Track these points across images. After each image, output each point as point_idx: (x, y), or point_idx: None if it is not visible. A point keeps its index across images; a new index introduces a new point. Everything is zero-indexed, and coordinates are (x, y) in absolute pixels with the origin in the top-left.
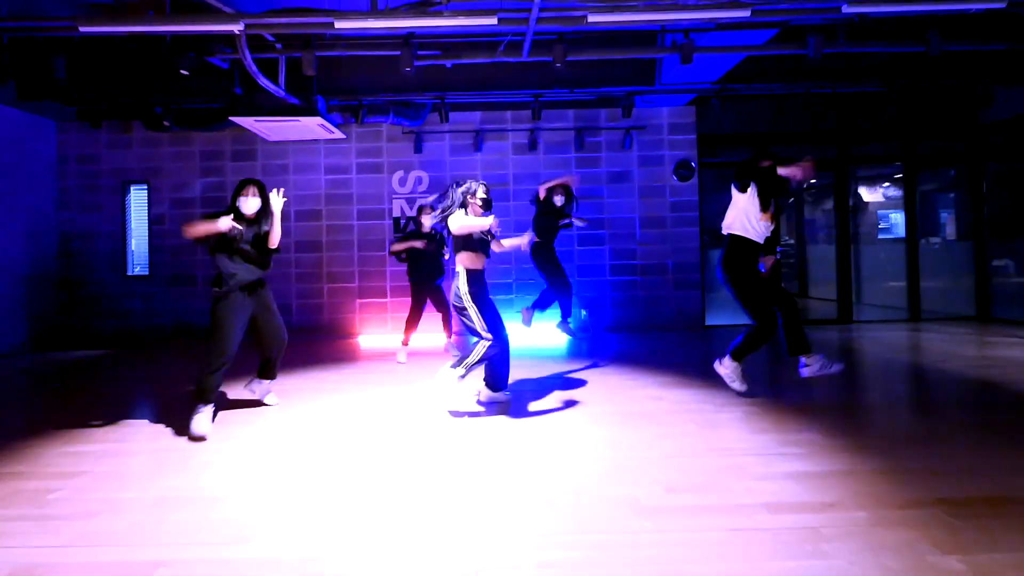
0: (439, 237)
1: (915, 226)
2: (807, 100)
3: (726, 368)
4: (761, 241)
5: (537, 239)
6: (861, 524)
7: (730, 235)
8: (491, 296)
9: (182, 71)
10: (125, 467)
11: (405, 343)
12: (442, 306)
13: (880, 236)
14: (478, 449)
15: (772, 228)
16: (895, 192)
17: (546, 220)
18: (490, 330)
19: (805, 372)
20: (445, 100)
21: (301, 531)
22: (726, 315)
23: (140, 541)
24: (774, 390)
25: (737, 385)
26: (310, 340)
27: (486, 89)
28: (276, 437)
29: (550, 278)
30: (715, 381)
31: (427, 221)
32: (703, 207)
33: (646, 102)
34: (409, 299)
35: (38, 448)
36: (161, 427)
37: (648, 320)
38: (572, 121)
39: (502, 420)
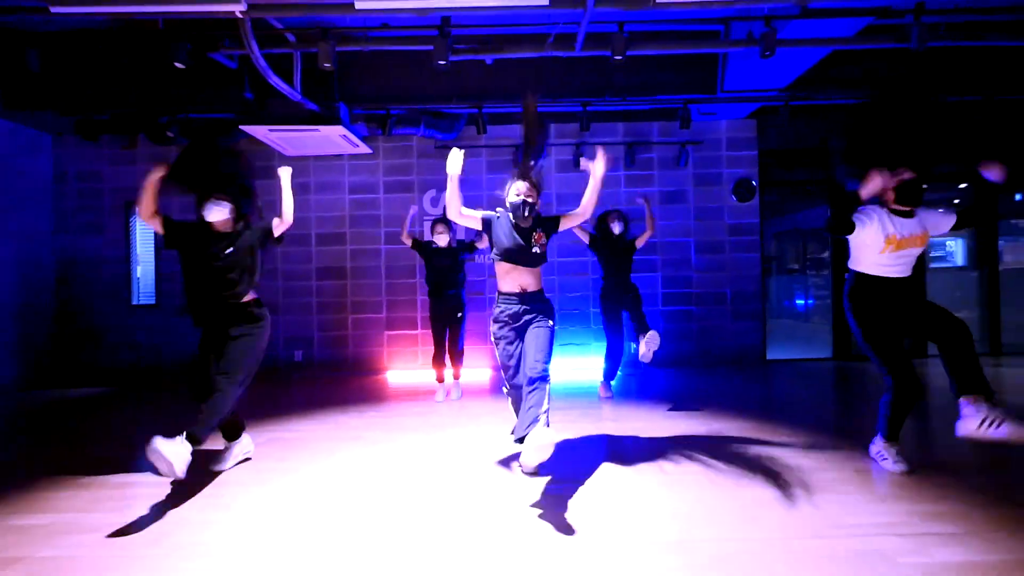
0: (459, 254)
1: (995, 251)
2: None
3: (877, 447)
4: (894, 275)
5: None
6: None
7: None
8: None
9: (177, 64)
10: (77, 553)
11: (440, 379)
12: (454, 345)
13: (932, 265)
14: (529, 523)
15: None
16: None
17: (608, 256)
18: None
19: (963, 428)
20: (482, 110)
21: None
22: (788, 348)
23: None
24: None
25: (890, 464)
26: (334, 376)
27: None
28: (280, 509)
29: (612, 333)
30: (802, 427)
31: (442, 241)
32: (764, 230)
33: (703, 114)
34: None
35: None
36: (138, 491)
37: (703, 354)
38: (622, 135)
39: (555, 487)
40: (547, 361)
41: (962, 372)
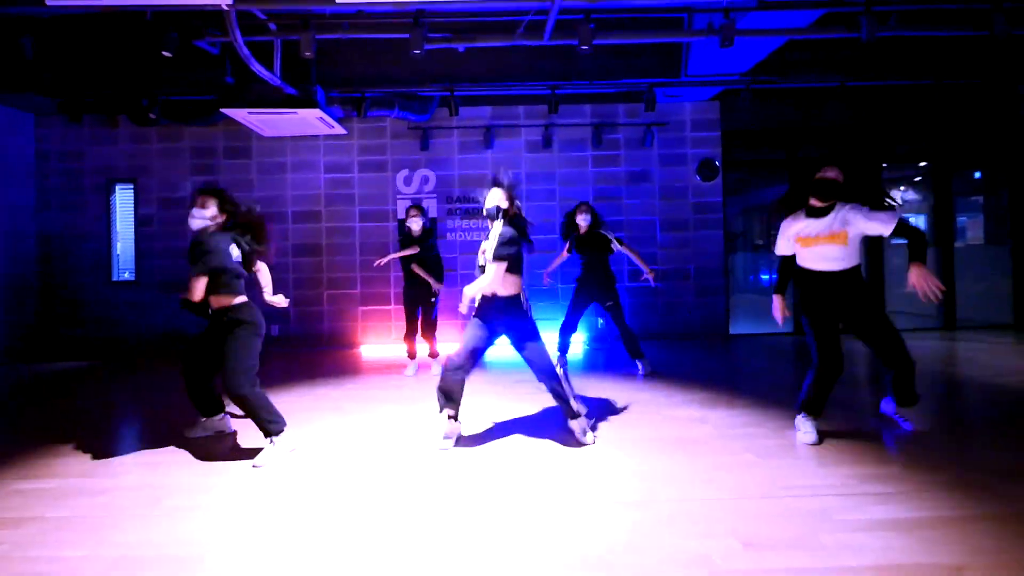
0: (433, 242)
1: (951, 229)
2: (838, 95)
3: (797, 419)
4: (818, 268)
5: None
6: None
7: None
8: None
9: (164, 53)
10: (86, 513)
11: (411, 355)
12: (428, 326)
13: (895, 242)
14: (502, 486)
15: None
16: (913, 196)
17: (580, 250)
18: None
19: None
20: (454, 92)
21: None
22: (750, 323)
23: None
24: (829, 411)
25: (804, 436)
26: (310, 350)
27: (498, 81)
28: (267, 474)
29: (572, 312)
30: (758, 399)
31: (416, 225)
32: (727, 209)
33: (668, 96)
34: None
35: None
36: (137, 458)
37: (669, 328)
38: (589, 117)
39: (522, 448)
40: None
41: (901, 393)
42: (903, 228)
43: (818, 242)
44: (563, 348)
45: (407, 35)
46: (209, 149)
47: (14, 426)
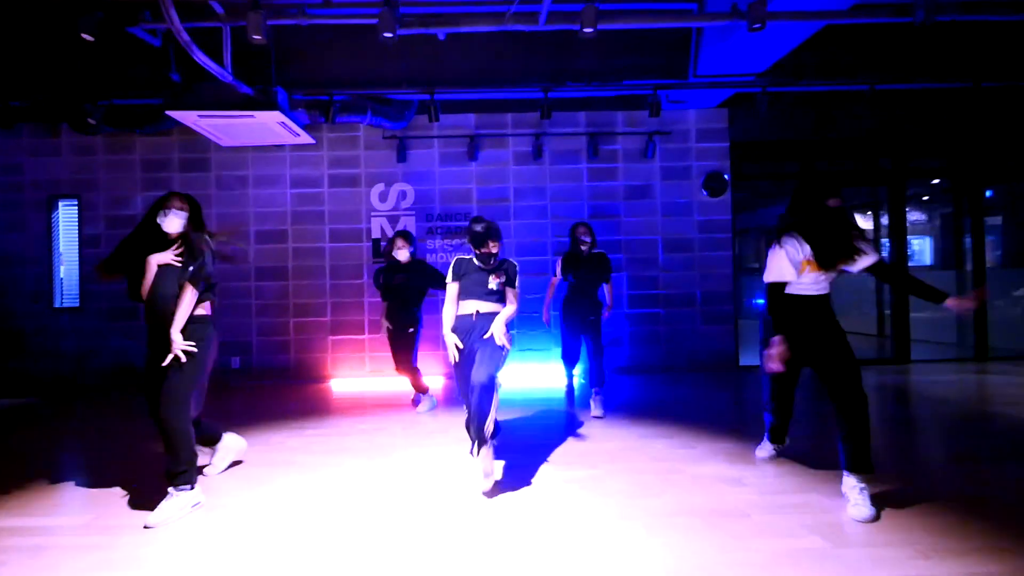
0: (416, 273)
1: (983, 251)
2: (858, 100)
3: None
4: (808, 293)
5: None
6: None
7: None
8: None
9: (85, 36)
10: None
11: (423, 390)
12: (407, 360)
13: (912, 263)
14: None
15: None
16: (918, 216)
17: (576, 270)
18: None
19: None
20: (434, 96)
21: None
22: (755, 351)
23: None
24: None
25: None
26: (274, 384)
27: (485, 83)
28: (197, 553)
29: (569, 337)
30: (797, 452)
31: (402, 255)
32: (736, 227)
33: (672, 102)
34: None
35: None
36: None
37: (671, 360)
38: (584, 126)
39: (521, 520)
40: (494, 372)
41: (851, 447)
42: (883, 265)
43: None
44: (570, 380)
45: (376, 21)
46: (162, 161)
47: None
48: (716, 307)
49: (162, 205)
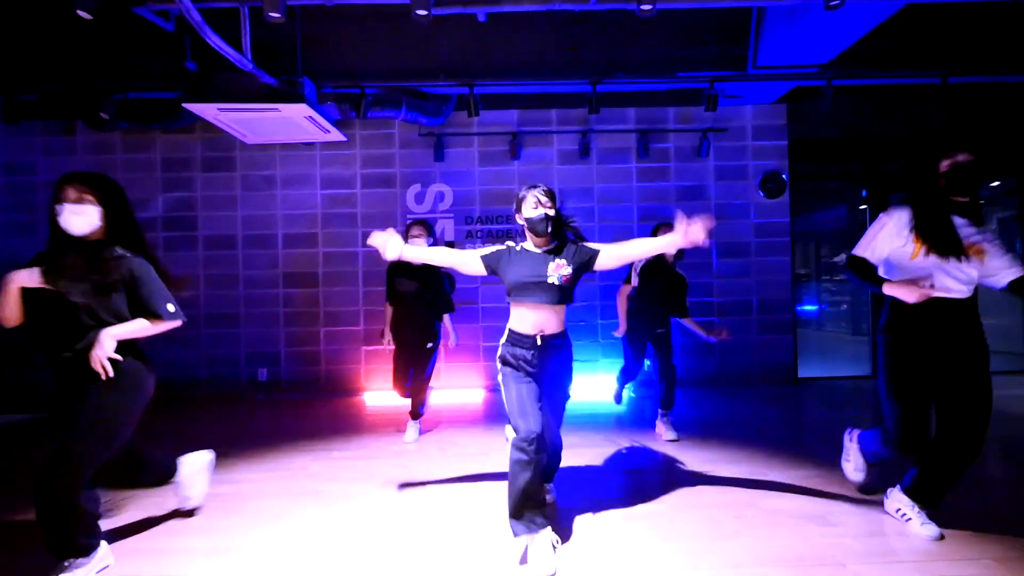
0: (433, 276)
1: None
2: (930, 95)
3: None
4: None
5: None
6: None
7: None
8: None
9: (80, 12)
10: None
11: (420, 414)
12: (420, 379)
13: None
14: None
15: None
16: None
17: (654, 280)
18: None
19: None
20: (474, 89)
21: None
22: (822, 365)
23: None
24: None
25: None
26: (304, 398)
27: (527, 76)
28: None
29: (632, 356)
30: (884, 478)
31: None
32: (795, 230)
33: (727, 97)
34: None
35: None
36: None
37: (726, 371)
38: (633, 122)
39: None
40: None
41: (930, 484)
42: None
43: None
44: (620, 397)
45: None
46: (184, 160)
47: None
48: (774, 316)
49: (55, 196)
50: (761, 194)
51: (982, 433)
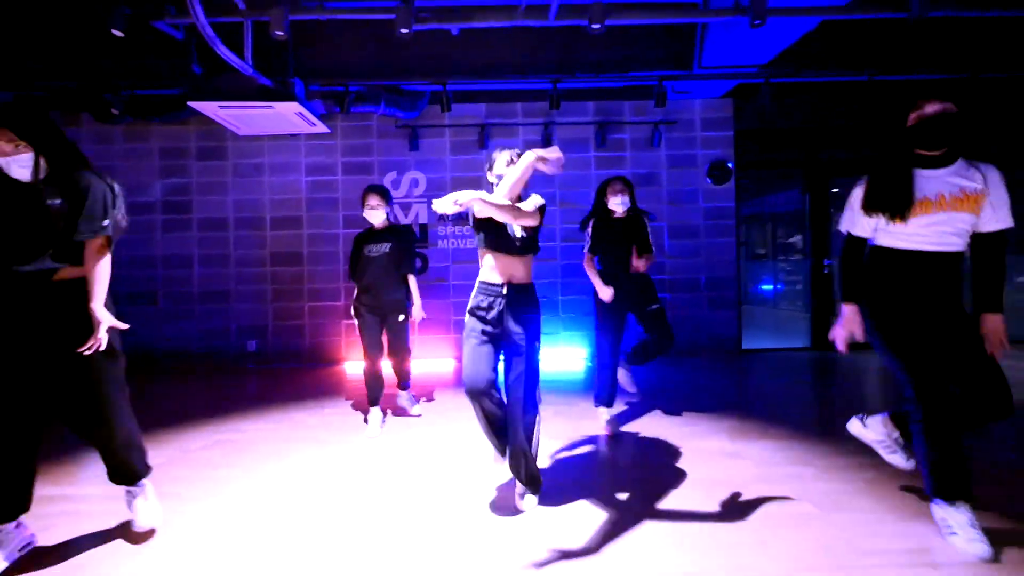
0: (402, 238)
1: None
2: (862, 91)
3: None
4: (921, 248)
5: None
6: None
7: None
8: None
9: (115, 31)
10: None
11: (371, 402)
12: (400, 348)
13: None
14: (513, 542)
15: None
16: None
17: (607, 241)
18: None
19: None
20: (447, 87)
21: None
22: (759, 337)
23: None
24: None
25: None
26: (290, 367)
27: (495, 75)
28: (224, 522)
29: (604, 339)
30: (794, 428)
31: (375, 217)
32: (740, 214)
33: (678, 92)
34: None
35: None
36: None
37: (676, 344)
38: (592, 115)
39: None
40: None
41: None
42: (1002, 244)
43: (940, 207)
44: (607, 396)
45: (393, 16)
46: (180, 150)
47: None
48: (720, 292)
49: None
50: (709, 181)
51: (1002, 380)
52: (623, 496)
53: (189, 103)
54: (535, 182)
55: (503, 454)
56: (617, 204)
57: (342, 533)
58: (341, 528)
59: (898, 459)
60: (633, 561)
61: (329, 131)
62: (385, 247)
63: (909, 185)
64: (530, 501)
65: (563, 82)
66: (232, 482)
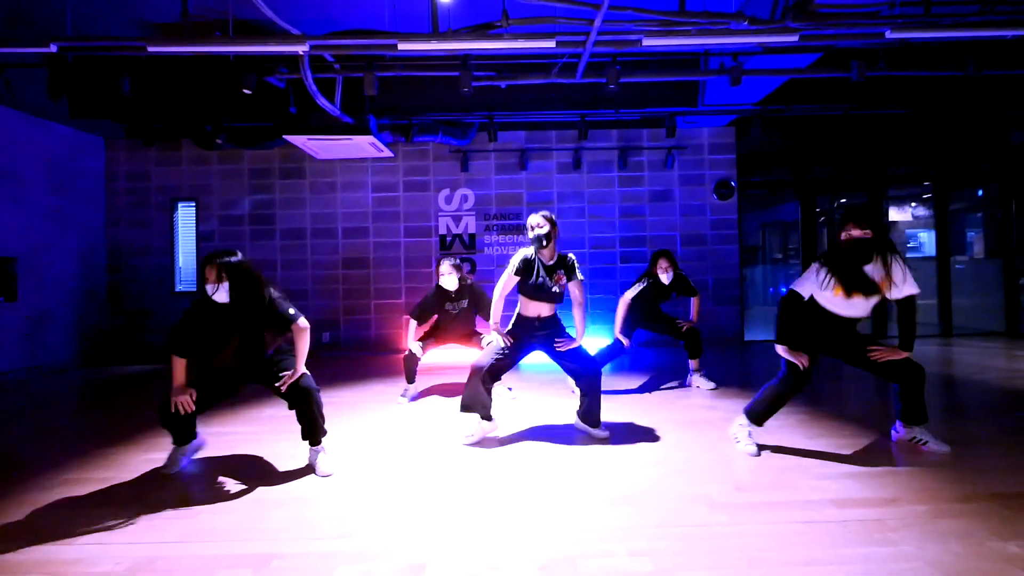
0: (468, 298)
1: (947, 244)
2: (844, 121)
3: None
4: (844, 314)
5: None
6: (923, 516)
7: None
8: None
9: (245, 91)
10: (208, 471)
11: (410, 379)
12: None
13: (908, 255)
14: (546, 457)
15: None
16: (922, 212)
17: (651, 297)
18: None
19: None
20: (494, 120)
21: (396, 527)
22: (764, 331)
23: (248, 537)
24: (826, 403)
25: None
26: (360, 355)
27: (533, 109)
28: (353, 444)
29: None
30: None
31: (450, 283)
32: (751, 222)
33: (688, 123)
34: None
35: (121, 455)
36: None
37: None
38: (615, 141)
39: (555, 428)
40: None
41: (909, 405)
42: (911, 304)
43: (859, 295)
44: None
45: (455, 72)
46: (266, 170)
47: (117, 417)
48: (725, 291)
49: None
50: (715, 197)
51: (916, 368)
52: (623, 425)
53: (284, 136)
54: (567, 196)
55: (488, 419)
56: (664, 277)
57: (433, 462)
58: (432, 459)
59: (939, 446)
60: (625, 452)
61: (393, 156)
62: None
63: (862, 276)
64: (599, 432)
65: (590, 115)
66: (342, 426)
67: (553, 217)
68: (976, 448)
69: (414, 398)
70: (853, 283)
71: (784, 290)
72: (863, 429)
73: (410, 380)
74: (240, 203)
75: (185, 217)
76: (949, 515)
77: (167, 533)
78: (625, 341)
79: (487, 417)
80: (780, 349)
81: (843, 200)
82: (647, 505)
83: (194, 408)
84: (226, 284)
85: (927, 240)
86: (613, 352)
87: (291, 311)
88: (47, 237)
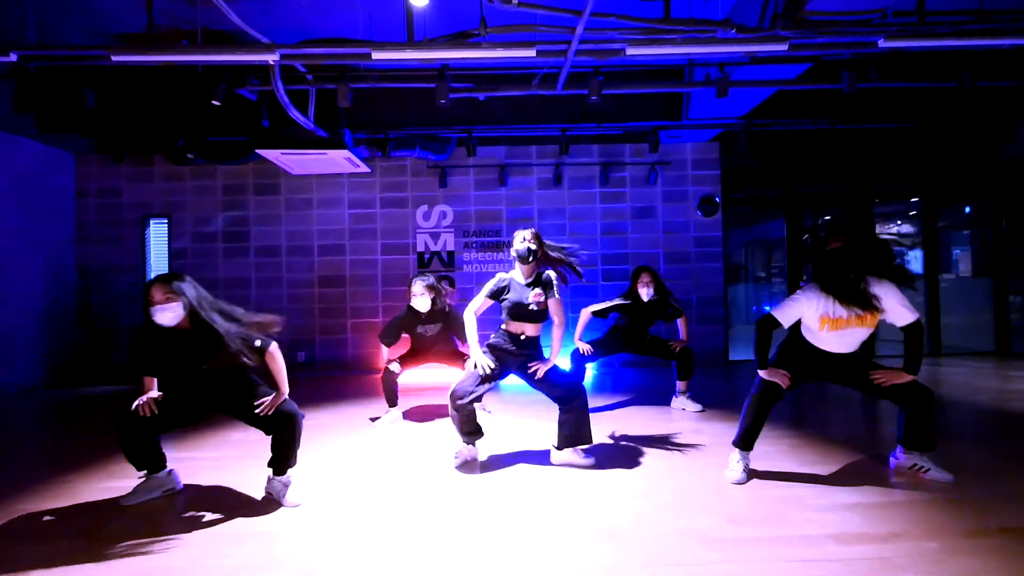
0: (450, 319)
1: (936, 262)
2: (831, 136)
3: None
4: (833, 350)
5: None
6: (931, 554)
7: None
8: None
9: (214, 102)
10: (167, 501)
11: (391, 403)
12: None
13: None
14: (527, 485)
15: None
16: (908, 229)
17: (633, 317)
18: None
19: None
20: (472, 134)
21: (364, 566)
22: (747, 350)
23: None
24: (814, 426)
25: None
26: (335, 375)
27: (513, 123)
28: (324, 470)
29: (596, 349)
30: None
31: (422, 304)
32: (726, 242)
33: (671, 137)
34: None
35: (78, 483)
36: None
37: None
38: (597, 156)
39: (534, 453)
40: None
41: (914, 430)
42: (916, 329)
43: (849, 324)
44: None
45: (432, 84)
46: (240, 186)
47: (78, 441)
48: (709, 310)
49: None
50: (699, 213)
51: (925, 392)
52: (608, 450)
53: (257, 150)
54: (548, 212)
55: (472, 444)
56: (644, 292)
57: (400, 493)
58: (398, 490)
59: (941, 474)
60: (610, 481)
61: (370, 171)
62: (436, 328)
63: (854, 288)
64: (580, 453)
65: (571, 130)
66: (313, 455)
67: (541, 237)
68: (977, 476)
69: (394, 422)
70: (846, 295)
71: (767, 309)
72: (856, 453)
73: (391, 403)
74: (214, 220)
75: (157, 234)
76: (959, 553)
77: (117, 572)
78: (583, 347)
79: (471, 442)
80: (763, 373)
81: (827, 217)
82: (633, 540)
83: (156, 411)
84: (171, 305)
85: (913, 257)
86: (578, 364)
87: (258, 343)
88: (13, 255)
